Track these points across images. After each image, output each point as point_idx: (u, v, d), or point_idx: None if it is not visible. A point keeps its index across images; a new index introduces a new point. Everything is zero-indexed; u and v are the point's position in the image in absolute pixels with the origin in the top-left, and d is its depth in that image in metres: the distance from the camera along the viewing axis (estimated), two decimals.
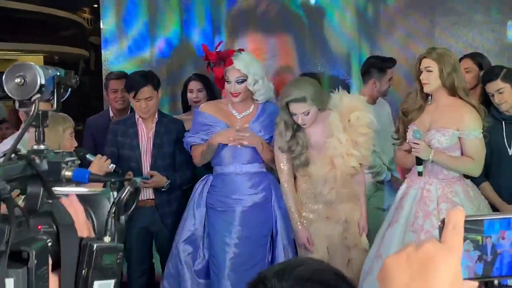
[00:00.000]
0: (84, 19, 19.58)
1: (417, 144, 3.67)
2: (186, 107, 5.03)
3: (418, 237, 3.67)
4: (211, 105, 4.25)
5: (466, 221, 0.86)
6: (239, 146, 4.02)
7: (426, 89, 3.77)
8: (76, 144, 3.62)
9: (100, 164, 3.58)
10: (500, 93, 4.01)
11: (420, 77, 3.75)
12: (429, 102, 3.84)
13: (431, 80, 3.72)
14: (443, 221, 0.87)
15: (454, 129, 3.72)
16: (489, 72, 4.22)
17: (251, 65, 4.06)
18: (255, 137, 4.05)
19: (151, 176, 4.24)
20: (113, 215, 1.08)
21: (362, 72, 4.86)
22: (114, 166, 3.69)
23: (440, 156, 3.70)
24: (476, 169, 3.79)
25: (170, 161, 4.39)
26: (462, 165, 3.75)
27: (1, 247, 0.97)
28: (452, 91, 3.73)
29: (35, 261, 0.99)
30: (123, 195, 1.09)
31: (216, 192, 4.12)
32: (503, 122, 4.12)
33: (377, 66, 4.74)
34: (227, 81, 4.05)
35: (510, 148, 4.13)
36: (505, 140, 4.13)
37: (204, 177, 4.22)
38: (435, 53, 3.74)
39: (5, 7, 13.68)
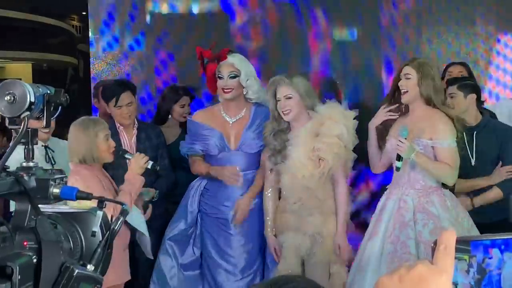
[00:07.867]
0: (72, 27, 19.53)
1: (402, 142, 3.70)
2: (163, 120, 4.89)
3: (395, 248, 3.70)
4: (202, 113, 4.30)
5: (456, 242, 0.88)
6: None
7: (405, 99, 3.82)
8: (114, 144, 3.63)
9: (138, 161, 3.64)
10: (452, 97, 4.19)
11: (399, 84, 3.83)
12: (407, 114, 3.90)
13: (409, 87, 3.78)
14: (435, 242, 0.89)
15: (427, 139, 3.76)
16: (453, 78, 4.51)
17: (245, 62, 4.14)
18: (246, 209, 4.10)
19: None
20: (103, 245, 1.09)
21: None
22: (151, 162, 3.69)
23: (421, 158, 3.72)
24: (453, 176, 3.79)
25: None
26: (441, 169, 3.75)
27: None
28: (429, 101, 3.79)
29: (19, 277, 1.00)
30: (117, 226, 1.10)
31: (209, 196, 4.17)
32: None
33: None
34: (220, 77, 4.08)
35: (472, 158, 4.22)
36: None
37: (198, 178, 4.26)
38: (416, 62, 3.82)
39: None
